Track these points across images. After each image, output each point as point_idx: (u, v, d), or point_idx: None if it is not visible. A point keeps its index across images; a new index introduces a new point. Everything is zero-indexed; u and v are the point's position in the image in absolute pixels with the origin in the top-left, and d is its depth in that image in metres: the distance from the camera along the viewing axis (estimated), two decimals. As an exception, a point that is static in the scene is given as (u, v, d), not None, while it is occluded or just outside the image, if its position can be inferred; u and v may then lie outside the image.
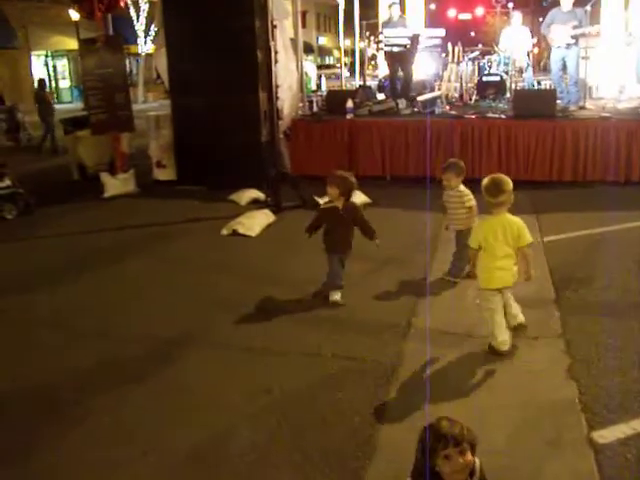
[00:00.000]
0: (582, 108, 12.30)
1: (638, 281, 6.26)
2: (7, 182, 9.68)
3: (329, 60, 46.52)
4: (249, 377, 4.70)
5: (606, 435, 3.87)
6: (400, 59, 13.14)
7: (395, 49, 13.05)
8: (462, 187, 6.20)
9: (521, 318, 4.99)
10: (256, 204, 9.46)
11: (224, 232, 8.16)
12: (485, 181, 4.75)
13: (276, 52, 9.68)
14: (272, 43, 9.18)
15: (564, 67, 12.59)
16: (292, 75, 11.33)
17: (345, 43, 22.63)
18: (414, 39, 13.06)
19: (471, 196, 6.12)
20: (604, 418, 4.03)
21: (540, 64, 22.53)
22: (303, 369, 4.78)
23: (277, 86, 10.01)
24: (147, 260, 7.43)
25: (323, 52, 50.77)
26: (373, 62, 22.32)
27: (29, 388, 4.67)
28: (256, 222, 8.30)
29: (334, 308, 5.81)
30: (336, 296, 5.89)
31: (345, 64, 21.12)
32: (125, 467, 3.72)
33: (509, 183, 4.71)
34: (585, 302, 5.82)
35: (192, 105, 10.61)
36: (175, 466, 3.73)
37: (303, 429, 4.03)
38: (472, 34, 51.15)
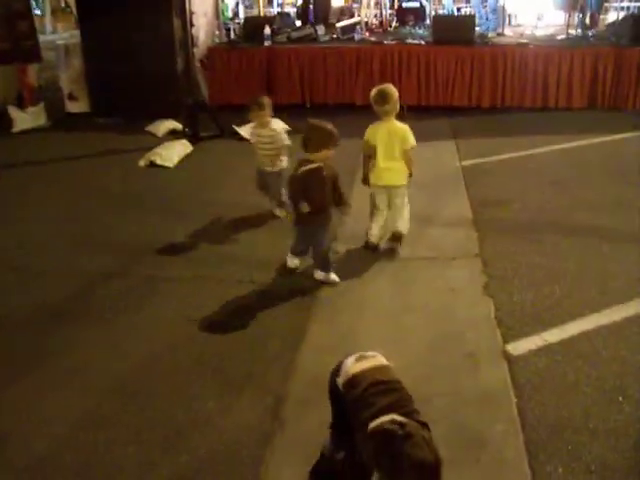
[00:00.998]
0: (500, 35, 12.36)
1: (552, 202, 6.43)
2: None
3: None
4: (172, 306, 4.65)
5: (519, 347, 4.02)
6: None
7: (312, -27, 12.74)
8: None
9: (400, 227, 5.41)
10: (174, 135, 9.22)
11: (141, 163, 7.94)
12: (373, 92, 5.22)
13: (190, -24, 9.35)
14: (184, -35, 8.81)
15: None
16: (207, 1, 10.95)
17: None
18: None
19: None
20: (518, 331, 4.18)
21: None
22: (224, 296, 4.75)
23: (192, 12, 9.68)
24: (59, 193, 7.17)
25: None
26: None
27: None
28: (174, 152, 8.11)
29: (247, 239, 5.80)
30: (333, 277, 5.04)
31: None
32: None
33: (394, 94, 5.15)
34: (502, 223, 5.95)
35: (103, 33, 10.08)
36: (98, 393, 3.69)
37: (225, 355, 4.03)
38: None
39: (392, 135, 5.18)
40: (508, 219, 6.03)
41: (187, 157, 8.29)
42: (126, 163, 8.12)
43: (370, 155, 5.29)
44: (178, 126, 9.42)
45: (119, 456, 3.22)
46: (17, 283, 5.09)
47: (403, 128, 5.21)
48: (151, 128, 9.46)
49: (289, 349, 4.04)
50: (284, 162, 6.06)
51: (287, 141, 6.00)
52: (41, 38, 11.42)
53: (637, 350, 3.97)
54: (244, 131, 9.03)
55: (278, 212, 6.16)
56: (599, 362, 3.85)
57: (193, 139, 8.80)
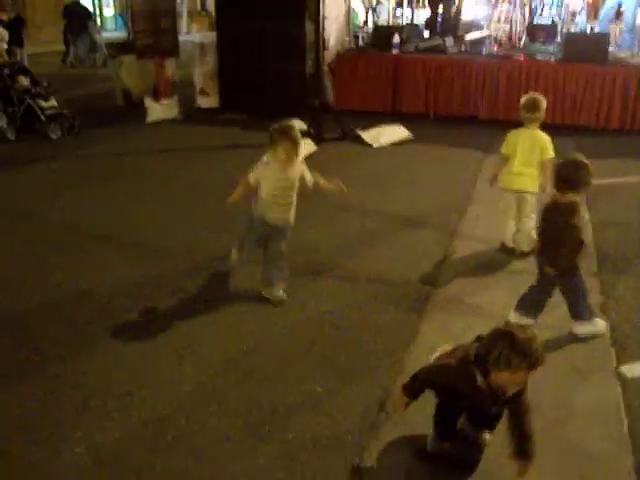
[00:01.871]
0: (635, 56, 11.98)
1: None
2: (52, 102, 9.82)
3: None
4: (289, 293, 4.79)
5: (634, 369, 3.92)
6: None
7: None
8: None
9: (523, 246, 5.45)
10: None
11: (265, 159, 8.18)
12: (524, 99, 5.39)
13: (325, -18, 9.58)
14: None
15: (618, 13, 12.23)
16: (340, 7, 11.19)
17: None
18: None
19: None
20: (633, 353, 4.09)
21: (597, 10, 21.81)
22: (341, 289, 4.88)
23: (324, 17, 9.91)
24: (182, 183, 7.55)
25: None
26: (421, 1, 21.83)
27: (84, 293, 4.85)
28: (298, 151, 8.32)
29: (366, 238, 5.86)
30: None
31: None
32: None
33: (543, 103, 5.34)
34: (621, 245, 5.80)
35: (238, 33, 10.53)
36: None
37: (337, 344, 4.16)
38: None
39: (533, 143, 5.31)
40: (628, 241, 5.88)
41: (310, 156, 8.48)
42: (248, 158, 8.36)
43: (507, 158, 5.40)
44: (303, 126, 9.63)
45: (228, 426, 3.39)
46: (135, 258, 5.47)
47: (545, 138, 5.33)
48: (276, 126, 9.73)
49: (400, 347, 4.12)
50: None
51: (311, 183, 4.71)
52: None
53: None
54: (366, 136, 9.19)
55: (269, 292, 4.73)
56: None
57: (317, 139, 9.00)
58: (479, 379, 2.84)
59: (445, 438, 3.17)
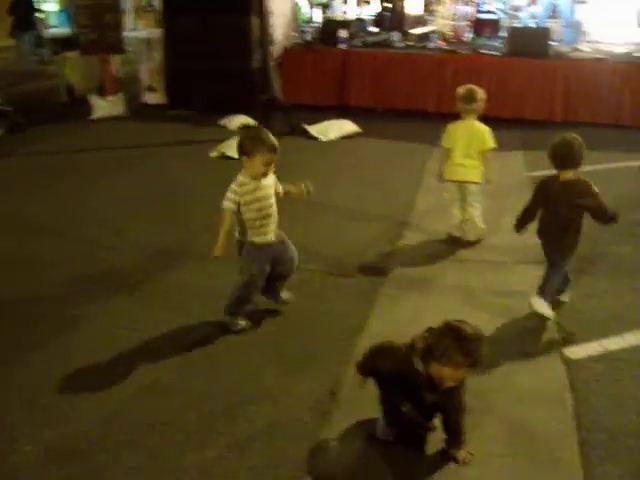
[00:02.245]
0: (576, 50, 12.23)
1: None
2: (-5, 99, 9.60)
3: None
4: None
5: (578, 352, 4.03)
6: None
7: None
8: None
9: (470, 237, 5.56)
10: (246, 129, 9.40)
11: (213, 154, 8.16)
12: (460, 90, 5.42)
13: (270, -24, 9.57)
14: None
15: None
16: (286, 2, 11.14)
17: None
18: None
19: None
20: (578, 337, 4.20)
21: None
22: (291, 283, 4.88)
23: (271, 12, 9.89)
24: (130, 179, 7.45)
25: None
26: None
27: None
28: (245, 146, 8.28)
29: (315, 231, 5.88)
30: None
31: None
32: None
33: (480, 93, 5.42)
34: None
35: (184, 28, 10.39)
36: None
37: (287, 336, 4.16)
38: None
39: (472, 134, 5.36)
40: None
41: (258, 152, 8.46)
42: (197, 154, 8.35)
43: (448, 150, 5.45)
44: (250, 121, 9.58)
45: (181, 422, 3.37)
46: (85, 255, 5.40)
47: (484, 129, 5.38)
48: (224, 122, 9.69)
49: (349, 336, 4.15)
50: None
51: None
52: (123, 35, 11.82)
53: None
54: (315, 130, 9.19)
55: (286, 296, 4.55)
56: (659, 371, 3.84)
57: (265, 135, 8.96)
58: (420, 366, 2.90)
59: (393, 424, 3.19)
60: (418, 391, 2.99)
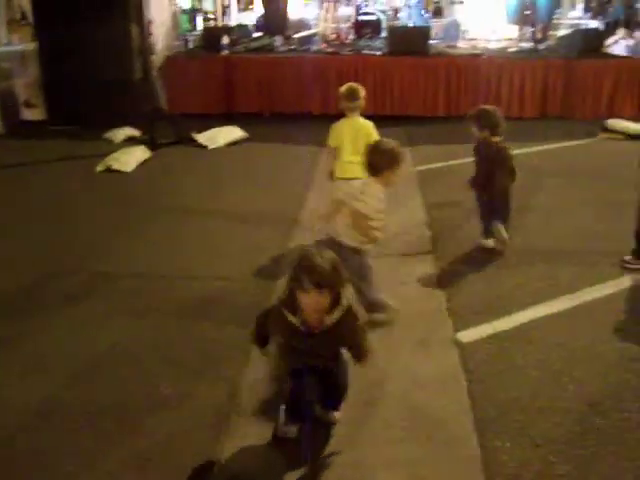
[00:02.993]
0: (454, 47, 12.64)
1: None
2: None
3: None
4: (127, 300, 4.70)
5: (470, 335, 4.15)
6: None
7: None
8: None
9: None
10: (132, 141, 9.23)
11: (99, 168, 7.95)
12: (343, 88, 5.49)
13: (147, -16, 9.44)
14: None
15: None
16: (165, 10, 11.02)
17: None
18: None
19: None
20: (469, 320, 4.32)
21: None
22: (184, 290, 4.81)
23: (149, 21, 9.74)
24: (15, 196, 7.15)
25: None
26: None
27: None
28: (132, 158, 8.13)
29: (206, 238, 5.84)
30: None
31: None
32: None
33: (362, 91, 5.46)
34: (454, 222, 6.11)
35: (61, 40, 10.04)
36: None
37: (182, 345, 4.09)
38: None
39: (358, 130, 5.40)
40: (460, 218, 6.18)
41: (145, 163, 8.31)
42: (83, 169, 8.11)
43: (336, 149, 5.46)
44: (136, 133, 9.44)
45: (74, 441, 3.24)
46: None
47: (369, 124, 5.45)
48: (109, 135, 9.47)
49: (244, 340, 4.07)
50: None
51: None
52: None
53: (581, 336, 4.13)
54: (202, 138, 9.12)
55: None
56: (546, 347, 3.99)
57: (151, 145, 8.82)
58: (289, 316, 2.93)
59: (294, 421, 3.19)
60: (300, 343, 2.99)
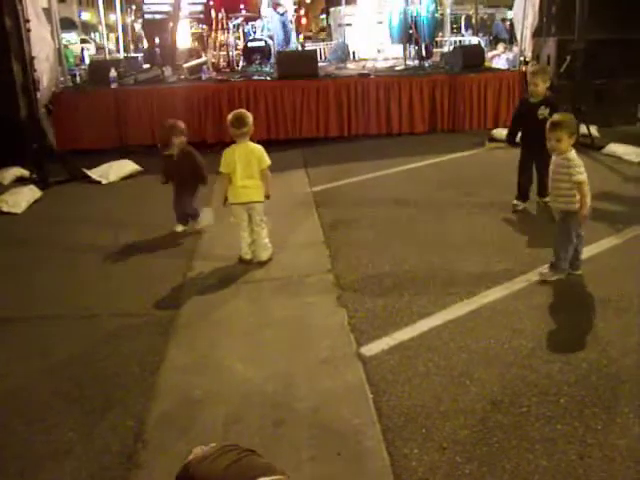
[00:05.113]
0: (343, 68, 12.92)
1: (396, 216, 6.76)
2: None
3: (95, 36, 44.26)
4: (25, 344, 4.53)
5: (372, 348, 4.21)
6: (160, 27, 12.98)
7: (157, 16, 12.87)
8: (571, 153, 4.93)
9: (262, 257, 5.71)
10: (21, 182, 8.92)
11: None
12: (230, 116, 5.58)
13: (27, 20, 9.19)
14: (20, 8, 8.65)
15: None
16: (48, 46, 10.74)
17: (111, 18, 21.92)
18: (175, 6, 12.95)
19: (582, 167, 4.87)
20: (370, 334, 4.38)
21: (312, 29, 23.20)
22: (80, 329, 4.68)
23: (32, 57, 9.49)
24: None
25: (87, 28, 48.25)
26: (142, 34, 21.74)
27: None
28: (22, 198, 7.86)
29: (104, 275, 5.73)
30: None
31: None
32: None
33: (249, 117, 5.56)
34: (351, 240, 6.20)
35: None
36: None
37: (84, 385, 3.96)
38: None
39: (249, 155, 5.50)
40: (357, 236, 6.30)
41: (36, 202, 8.06)
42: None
43: (228, 175, 5.53)
44: (25, 173, 9.13)
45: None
46: None
47: (259, 148, 5.54)
48: (-4, 176, 9.13)
49: (149, 373, 4.03)
50: None
51: None
52: None
53: (480, 339, 4.26)
54: (95, 173, 8.94)
55: None
56: (447, 352, 4.10)
57: (41, 184, 8.56)
58: None
59: None
60: None
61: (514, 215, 6.68)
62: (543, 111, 6.30)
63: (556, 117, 4.97)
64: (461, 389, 3.73)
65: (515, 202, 6.81)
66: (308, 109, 10.87)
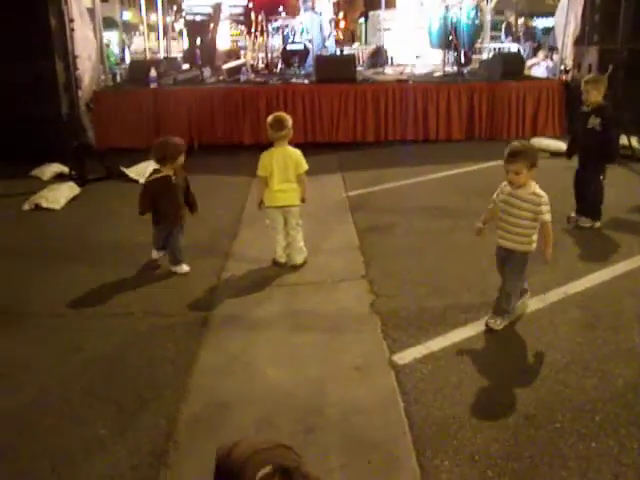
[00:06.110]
0: (381, 74, 12.90)
1: (433, 224, 6.73)
2: None
3: (135, 35, 44.71)
4: (59, 340, 4.58)
5: (405, 356, 4.19)
6: (201, 28, 13.09)
7: (198, 18, 12.97)
8: (536, 187, 4.39)
9: (296, 260, 5.72)
10: (60, 178, 9.05)
11: (26, 207, 7.76)
12: (269, 118, 5.58)
13: (72, 20, 9.32)
14: (65, 8, 8.78)
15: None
16: (91, 45, 10.90)
17: (152, 18, 22.14)
18: (216, 8, 13.04)
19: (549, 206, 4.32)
20: (403, 342, 4.36)
21: (352, 34, 23.21)
22: (114, 328, 4.72)
23: (75, 56, 9.63)
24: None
25: (129, 28, 48.80)
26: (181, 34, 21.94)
27: None
28: (60, 195, 7.97)
29: (151, 268, 5.80)
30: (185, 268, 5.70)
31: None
32: None
33: (289, 120, 5.55)
34: (386, 246, 6.18)
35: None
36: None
37: (117, 383, 4.00)
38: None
39: (287, 159, 5.50)
40: (392, 242, 6.28)
41: (74, 199, 8.17)
42: (8, 208, 7.90)
43: (266, 179, 5.52)
44: (64, 169, 9.26)
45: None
46: None
47: (297, 152, 5.55)
48: (36, 172, 9.27)
49: (181, 374, 4.06)
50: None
51: None
52: None
53: (514, 351, 4.24)
54: (132, 172, 9.02)
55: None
56: (480, 364, 4.07)
57: (80, 181, 8.68)
58: None
59: None
60: None
61: (568, 225, 6.57)
62: (593, 120, 6.23)
63: (515, 146, 4.32)
64: (493, 401, 3.70)
65: (572, 214, 6.61)
66: (345, 113, 10.87)
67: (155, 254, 5.86)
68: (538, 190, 4.31)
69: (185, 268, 5.67)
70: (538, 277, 5.29)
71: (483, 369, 4.02)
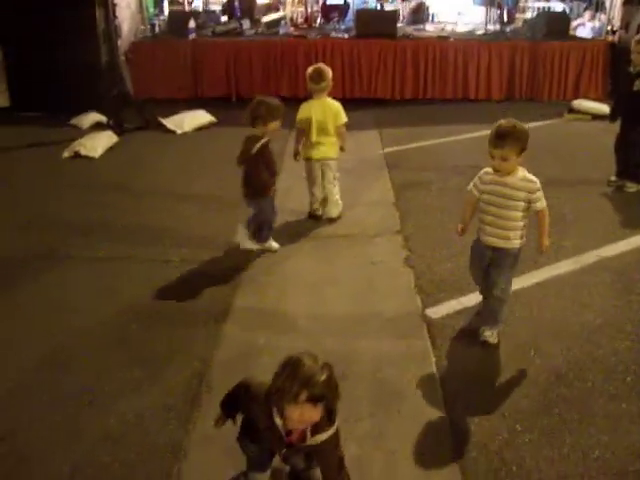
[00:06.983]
0: (422, 30, 12.68)
1: (469, 183, 6.64)
2: None
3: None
4: (96, 283, 4.69)
5: (438, 311, 4.22)
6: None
7: (238, -31, 12.84)
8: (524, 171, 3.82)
9: (332, 214, 5.71)
10: (98, 127, 9.11)
11: (65, 155, 7.84)
12: (309, 70, 5.54)
13: (111, -33, 9.30)
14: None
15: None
16: (130, -8, 10.87)
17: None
18: (256, -41, 12.87)
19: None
20: (436, 297, 4.39)
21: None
22: (152, 274, 4.80)
23: (114, 4, 9.62)
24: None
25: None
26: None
27: None
28: (98, 143, 8.04)
29: (178, 221, 5.82)
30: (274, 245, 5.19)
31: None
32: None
33: (329, 72, 5.50)
34: (422, 203, 6.16)
35: (23, 23, 9.80)
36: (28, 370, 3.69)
37: (151, 327, 4.08)
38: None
39: (326, 111, 5.45)
40: (428, 199, 6.24)
41: (112, 148, 8.22)
42: (49, 156, 7.98)
43: (304, 130, 5.50)
44: (102, 118, 9.32)
45: (44, 423, 3.24)
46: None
47: (336, 105, 5.50)
48: (75, 121, 9.33)
49: (215, 321, 4.12)
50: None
51: None
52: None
53: (547, 311, 4.22)
54: (170, 123, 9.05)
55: None
56: (513, 322, 4.07)
57: (118, 130, 8.73)
58: (276, 418, 2.46)
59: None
60: (271, 443, 2.63)
61: (607, 189, 6.51)
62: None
63: (503, 126, 3.62)
64: (525, 359, 3.70)
65: (612, 178, 6.53)
66: (384, 69, 10.73)
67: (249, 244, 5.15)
68: (528, 175, 3.71)
69: (275, 245, 5.15)
70: (573, 240, 5.25)
71: (516, 327, 4.02)
